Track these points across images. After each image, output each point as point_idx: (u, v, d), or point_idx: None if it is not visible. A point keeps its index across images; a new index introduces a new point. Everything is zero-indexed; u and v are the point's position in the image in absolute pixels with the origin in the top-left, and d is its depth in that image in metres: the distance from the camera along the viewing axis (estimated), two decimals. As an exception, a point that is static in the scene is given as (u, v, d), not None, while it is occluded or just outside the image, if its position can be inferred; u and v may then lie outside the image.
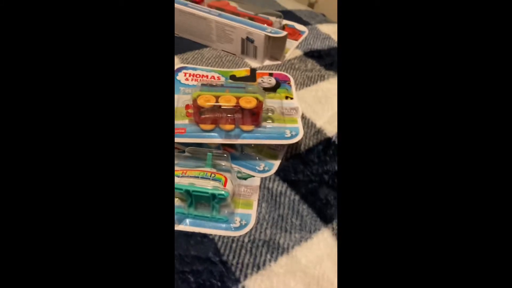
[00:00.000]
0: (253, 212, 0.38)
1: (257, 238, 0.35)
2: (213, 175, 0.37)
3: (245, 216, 0.37)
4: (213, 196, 0.35)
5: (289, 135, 0.40)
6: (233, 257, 0.34)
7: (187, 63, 0.57)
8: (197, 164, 0.39)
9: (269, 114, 0.41)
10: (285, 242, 0.35)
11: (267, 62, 0.59)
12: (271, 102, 0.42)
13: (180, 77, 0.47)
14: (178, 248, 0.34)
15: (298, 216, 0.37)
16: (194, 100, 0.38)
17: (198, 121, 0.39)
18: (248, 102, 0.38)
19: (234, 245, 0.35)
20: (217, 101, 0.38)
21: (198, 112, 0.39)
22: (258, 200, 0.39)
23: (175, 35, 0.63)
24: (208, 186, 0.35)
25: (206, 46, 0.61)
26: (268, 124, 0.41)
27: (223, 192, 0.34)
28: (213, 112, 0.38)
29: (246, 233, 0.36)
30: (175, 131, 0.40)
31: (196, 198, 0.36)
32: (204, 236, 0.35)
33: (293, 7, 0.79)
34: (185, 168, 0.38)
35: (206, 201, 0.36)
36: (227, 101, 0.38)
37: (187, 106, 0.39)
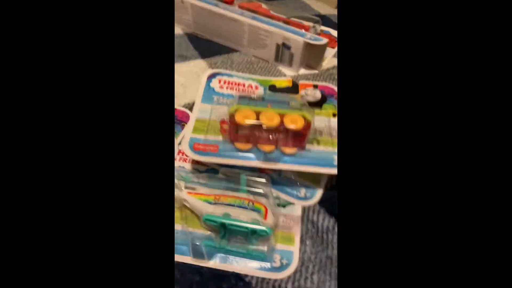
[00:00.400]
0: (295, 250, 0.32)
1: (302, 285, 0.30)
2: (251, 203, 0.31)
3: (286, 254, 0.32)
4: (254, 232, 0.29)
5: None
6: (275, 308, 0.28)
7: (216, 68, 0.51)
8: (229, 185, 0.34)
9: (316, 135, 0.35)
10: (335, 291, 0.29)
11: (303, 71, 0.53)
12: (317, 120, 0.36)
13: (214, 84, 0.42)
14: (209, 293, 0.28)
15: (348, 257, 0.32)
16: (231, 116, 0.33)
17: (233, 139, 0.34)
18: (294, 121, 0.32)
19: (274, 291, 0.29)
20: (257, 119, 0.32)
21: (234, 129, 0.33)
22: (301, 235, 0.33)
23: (202, 37, 0.58)
24: (245, 218, 0.30)
25: (235, 51, 0.56)
26: (314, 147, 0.35)
27: (265, 229, 0.29)
28: (251, 129, 0.33)
29: (289, 277, 0.30)
30: (206, 148, 0.34)
31: (230, 231, 0.30)
32: (239, 278, 0.30)
33: (327, 11, 0.73)
34: (216, 193, 0.32)
35: (242, 235, 0.30)
36: (269, 119, 0.32)
37: (222, 122, 0.34)
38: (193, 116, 0.37)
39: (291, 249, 0.32)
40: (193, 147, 0.34)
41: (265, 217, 0.30)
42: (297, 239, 0.33)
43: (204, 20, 0.56)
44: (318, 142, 0.36)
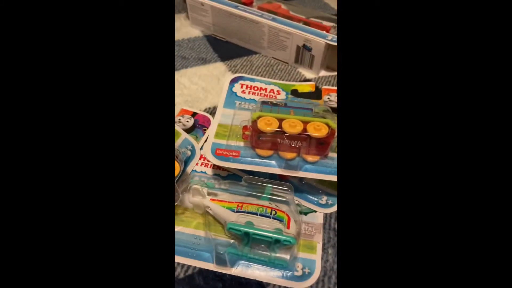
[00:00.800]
0: (317, 258, 0.32)
1: (325, 295, 0.29)
2: (273, 212, 0.31)
3: (308, 263, 0.32)
4: (277, 241, 0.29)
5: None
6: (298, 318, 0.28)
7: (235, 72, 0.51)
8: (251, 192, 0.34)
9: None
10: (358, 301, 0.29)
11: (323, 73, 0.53)
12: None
13: (236, 88, 0.42)
14: (232, 301, 0.28)
15: (371, 267, 0.31)
16: (254, 122, 0.33)
17: (254, 145, 0.34)
18: (318, 129, 0.32)
19: (297, 301, 0.29)
20: (280, 126, 0.32)
21: (256, 135, 0.33)
22: (323, 243, 0.33)
23: (222, 38, 0.58)
24: (268, 226, 0.30)
25: (255, 53, 0.56)
26: (337, 155, 0.35)
27: (289, 239, 0.29)
28: (273, 136, 0.33)
29: (311, 287, 0.30)
30: (228, 153, 0.34)
31: (254, 240, 0.30)
32: (261, 286, 0.30)
33: (348, 10, 0.72)
34: (238, 199, 0.33)
35: (265, 243, 0.30)
36: (292, 126, 0.32)
37: (244, 128, 0.34)
38: (215, 121, 0.37)
39: (313, 258, 0.32)
40: (215, 152, 0.34)
41: (288, 226, 0.30)
42: (319, 247, 0.33)
43: (223, 22, 0.56)
44: None
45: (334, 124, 0.32)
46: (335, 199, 0.36)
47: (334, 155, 0.35)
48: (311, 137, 0.32)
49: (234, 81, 0.43)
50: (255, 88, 0.42)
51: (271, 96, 0.42)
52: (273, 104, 0.36)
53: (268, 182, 0.33)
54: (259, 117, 0.33)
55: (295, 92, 0.43)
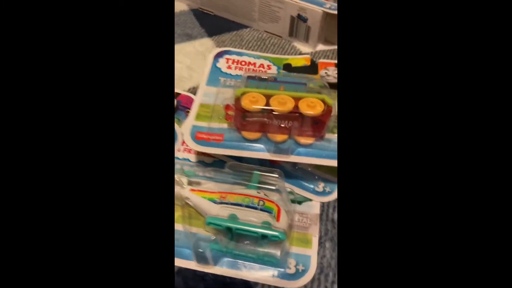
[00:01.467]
0: (313, 254, 0.28)
1: (321, 297, 0.26)
2: (261, 202, 0.27)
3: (302, 258, 0.28)
4: (264, 236, 0.25)
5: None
6: (289, 323, 0.24)
7: (224, 47, 0.47)
8: (237, 180, 0.30)
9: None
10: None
11: (321, 47, 0.48)
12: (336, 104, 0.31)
13: (221, 64, 0.37)
14: (214, 305, 0.25)
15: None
16: (237, 100, 0.28)
17: (239, 127, 0.30)
18: (312, 107, 0.27)
19: (289, 303, 0.25)
20: (267, 103, 0.28)
21: (241, 115, 0.29)
22: (320, 236, 0.29)
23: (210, 12, 0.53)
24: (255, 219, 0.26)
25: (246, 26, 0.50)
26: (334, 137, 0.30)
27: (278, 234, 0.25)
28: (260, 116, 0.28)
29: (306, 286, 0.26)
30: (210, 137, 0.30)
31: (239, 235, 0.27)
32: (248, 286, 0.26)
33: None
34: (221, 188, 0.29)
35: (252, 239, 0.27)
36: (281, 103, 0.28)
37: (227, 107, 0.30)
38: (196, 100, 0.33)
39: (308, 253, 0.28)
40: (195, 136, 0.30)
41: (278, 218, 0.26)
42: (315, 241, 0.29)
43: (210, -7, 0.51)
44: None
45: (330, 100, 0.28)
46: (334, 186, 0.32)
47: (331, 136, 0.30)
48: (304, 116, 0.28)
49: (218, 55, 0.38)
50: (243, 63, 0.37)
51: (260, 72, 0.37)
52: (261, 79, 0.31)
53: (256, 169, 0.29)
54: (243, 93, 0.28)
55: (288, 67, 0.38)
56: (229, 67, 0.37)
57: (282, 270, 0.27)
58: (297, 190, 0.32)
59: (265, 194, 0.28)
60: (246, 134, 0.30)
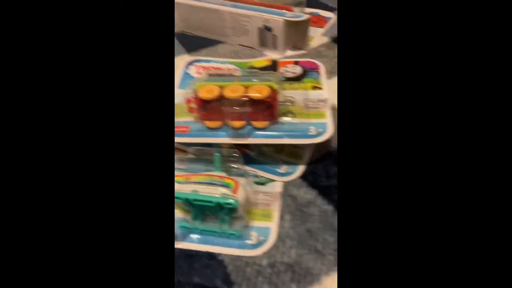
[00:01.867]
0: (273, 226, 0.30)
1: (278, 261, 0.27)
2: (221, 180, 0.30)
3: (263, 231, 0.30)
4: (220, 206, 0.28)
5: (314, 132, 0.32)
6: (247, 286, 0.26)
7: (200, 60, 0.51)
8: (206, 168, 0.33)
9: (288, 105, 0.33)
10: (315, 267, 0.27)
11: (290, 53, 0.52)
12: (294, 94, 0.35)
13: (191, 71, 0.41)
14: (178, 273, 0.27)
15: (332, 232, 0.29)
16: (196, 92, 0.32)
17: (202, 117, 0.33)
18: (259, 91, 0.31)
19: (249, 269, 0.27)
20: (221, 93, 0.31)
21: (202, 107, 0.32)
22: (281, 210, 0.31)
23: (191, 34, 0.59)
24: (215, 193, 0.29)
25: (221, 42, 0.56)
26: (288, 120, 0.33)
27: (231, 201, 0.27)
28: (218, 105, 0.32)
29: (265, 254, 0.28)
30: (176, 129, 0.34)
31: (200, 209, 0.29)
32: (212, 257, 0.28)
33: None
34: (188, 173, 0.32)
35: (213, 212, 0.29)
36: (233, 91, 0.31)
37: (188, 100, 0.33)
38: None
39: (269, 226, 0.30)
40: (164, 130, 0.34)
41: (235, 191, 0.29)
42: (276, 215, 0.31)
43: (189, 17, 0.56)
44: (294, 115, 0.34)
45: (276, 85, 0.31)
46: (295, 167, 0.34)
47: (283, 119, 0.33)
48: (256, 102, 0.31)
49: (190, 64, 0.42)
50: (212, 69, 0.42)
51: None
52: (219, 75, 0.35)
53: (217, 152, 0.32)
54: (200, 86, 0.32)
55: (251, 68, 0.42)
56: (198, 73, 0.41)
57: (245, 241, 0.29)
58: (261, 173, 0.34)
59: (228, 175, 0.31)
60: (209, 123, 0.33)
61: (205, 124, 0.33)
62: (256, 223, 0.30)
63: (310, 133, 0.32)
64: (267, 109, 0.32)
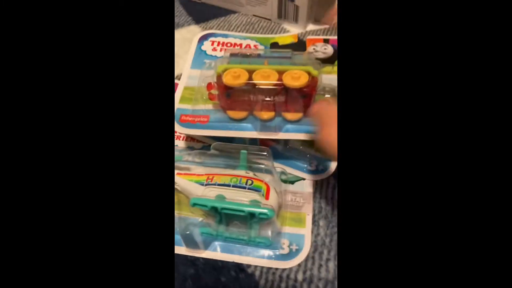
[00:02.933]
0: (306, 233, 0.27)
1: (315, 276, 0.25)
2: (250, 181, 0.26)
3: (295, 238, 0.27)
4: (252, 215, 0.24)
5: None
6: (283, 304, 0.23)
7: (211, 33, 0.45)
8: (228, 163, 0.29)
9: (326, 96, 0.29)
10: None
11: (311, 27, 0.46)
12: (328, 79, 0.30)
13: (206, 46, 0.36)
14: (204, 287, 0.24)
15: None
16: (219, 77, 0.27)
17: (224, 105, 0.29)
18: (296, 78, 0.26)
19: (283, 285, 0.24)
20: (250, 78, 0.27)
21: (224, 94, 0.28)
22: (313, 214, 0.28)
23: (197, 0, 0.52)
24: (244, 199, 0.25)
25: (234, 12, 0.49)
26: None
27: (266, 211, 0.24)
28: (244, 93, 0.27)
29: (300, 266, 0.25)
30: (195, 119, 0.29)
31: (227, 215, 0.26)
32: (240, 269, 0.25)
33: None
34: (211, 172, 0.28)
35: (241, 220, 0.26)
36: (264, 77, 0.26)
37: (208, 86, 0.29)
38: (181, 83, 0.32)
39: (301, 232, 0.27)
40: (180, 119, 0.29)
41: (267, 197, 0.25)
42: (308, 219, 0.28)
43: (196, -19, 0.50)
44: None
45: (315, 72, 0.27)
46: (327, 164, 0.31)
47: None
48: (289, 89, 0.26)
49: (203, 38, 0.37)
50: (228, 45, 0.36)
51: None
52: (244, 56, 0.30)
53: (242, 148, 0.28)
54: (224, 70, 0.27)
55: (275, 46, 0.37)
56: (214, 49, 0.36)
57: (275, 251, 0.26)
58: (289, 170, 0.31)
59: (254, 174, 0.27)
60: (232, 113, 0.29)
61: (227, 114, 0.29)
62: (287, 229, 0.27)
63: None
64: (302, 98, 0.27)
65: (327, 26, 0.46)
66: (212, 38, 0.37)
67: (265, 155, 0.28)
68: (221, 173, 0.27)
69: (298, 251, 0.26)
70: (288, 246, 0.26)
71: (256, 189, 0.25)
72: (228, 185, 0.26)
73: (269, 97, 0.27)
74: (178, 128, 0.29)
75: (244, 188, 0.26)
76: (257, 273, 0.25)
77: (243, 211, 0.24)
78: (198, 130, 0.29)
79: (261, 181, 0.26)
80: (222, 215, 0.25)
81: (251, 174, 0.27)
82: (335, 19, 0.47)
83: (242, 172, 0.27)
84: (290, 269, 0.25)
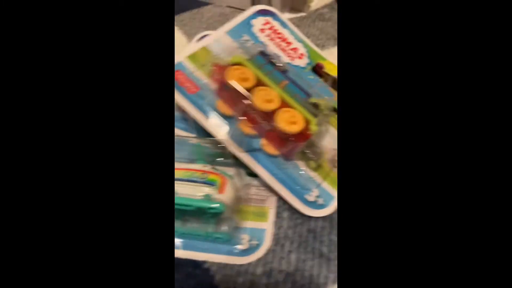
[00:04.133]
0: (268, 227, 0.26)
1: (275, 269, 0.23)
2: (204, 175, 0.25)
3: (256, 233, 0.25)
4: (201, 210, 0.23)
5: (312, 199, 0.26)
6: (238, 300, 0.22)
7: (183, 26, 0.44)
8: (190, 157, 0.27)
9: (312, 158, 0.27)
10: (320, 274, 0.23)
11: (288, 15, 0.45)
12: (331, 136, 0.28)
13: (257, 22, 0.32)
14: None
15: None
16: (228, 66, 0.26)
17: (218, 92, 0.27)
18: (290, 120, 0.25)
19: (240, 279, 0.23)
20: (254, 87, 0.25)
21: (224, 84, 0.26)
22: (277, 207, 0.27)
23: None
24: (196, 193, 0.24)
25: (206, 4, 0.48)
26: (303, 169, 0.27)
27: (215, 205, 0.22)
28: (240, 97, 0.26)
29: (259, 260, 0.24)
30: (186, 83, 0.28)
31: (180, 211, 0.25)
32: (196, 265, 0.24)
33: None
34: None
35: (194, 215, 0.25)
36: (264, 98, 0.25)
37: (215, 66, 0.27)
38: (203, 42, 0.29)
39: (263, 227, 0.26)
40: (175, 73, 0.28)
41: (222, 190, 0.24)
42: (271, 213, 0.26)
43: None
44: (316, 167, 0.27)
45: (315, 127, 0.25)
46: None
47: (300, 164, 0.27)
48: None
49: (260, 13, 0.33)
50: (278, 33, 0.32)
51: (288, 55, 0.32)
52: (270, 63, 0.28)
53: (200, 141, 0.27)
54: (236, 63, 0.26)
55: (319, 68, 0.32)
56: (261, 30, 0.32)
57: (234, 246, 0.25)
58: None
59: (213, 168, 0.26)
60: (220, 104, 0.27)
61: (216, 102, 0.27)
62: (249, 224, 0.26)
63: (309, 199, 0.26)
64: (286, 140, 0.25)
65: (303, 14, 0.45)
66: (269, 18, 0.33)
67: (223, 145, 0.27)
68: (178, 167, 0.26)
69: (258, 246, 0.25)
70: (248, 241, 0.25)
71: (210, 183, 0.24)
72: (181, 180, 0.25)
73: (260, 117, 0.25)
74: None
75: (196, 182, 0.24)
76: (213, 268, 0.24)
77: (190, 205, 0.23)
78: (181, 98, 0.27)
79: (217, 174, 0.25)
80: (177, 211, 0.24)
81: (208, 167, 0.26)
82: (311, 7, 0.46)
83: (199, 166, 0.26)
84: (249, 264, 0.24)
